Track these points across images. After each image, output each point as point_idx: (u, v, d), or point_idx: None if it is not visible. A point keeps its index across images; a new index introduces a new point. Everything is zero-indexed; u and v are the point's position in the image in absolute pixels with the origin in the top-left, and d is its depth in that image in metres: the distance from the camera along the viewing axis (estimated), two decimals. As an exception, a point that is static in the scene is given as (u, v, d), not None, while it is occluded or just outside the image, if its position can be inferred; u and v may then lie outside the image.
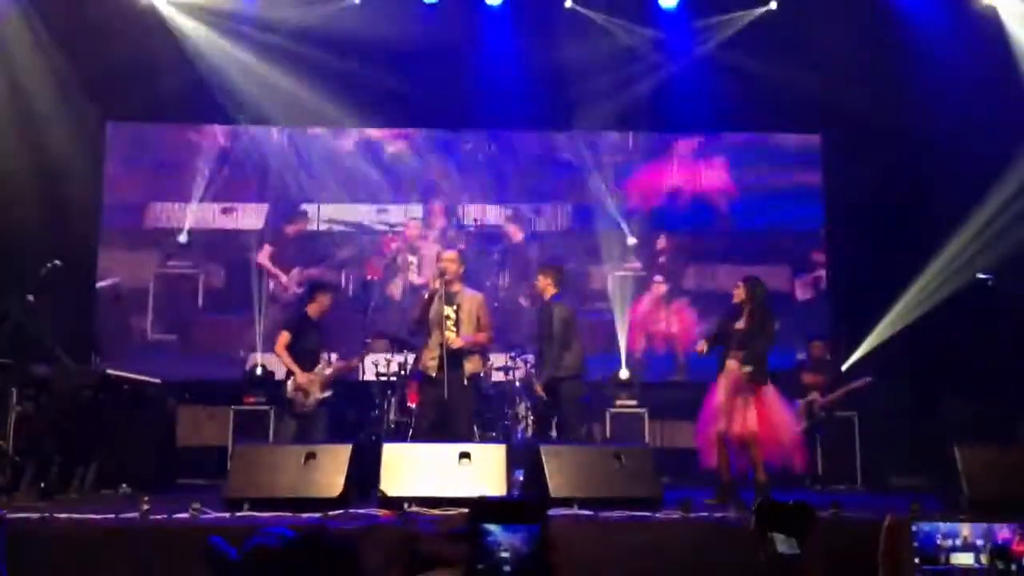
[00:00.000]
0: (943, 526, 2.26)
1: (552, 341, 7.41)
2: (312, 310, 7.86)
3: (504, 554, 2.03)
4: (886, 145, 9.47)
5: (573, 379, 7.52)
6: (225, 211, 10.43)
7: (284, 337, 7.73)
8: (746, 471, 6.72)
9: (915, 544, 2.00)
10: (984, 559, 2.32)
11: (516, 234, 10.62)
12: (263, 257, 10.38)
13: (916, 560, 1.93)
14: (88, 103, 9.58)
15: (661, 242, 10.60)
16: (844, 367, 9.32)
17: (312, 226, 10.52)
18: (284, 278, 10.38)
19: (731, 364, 6.72)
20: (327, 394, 7.65)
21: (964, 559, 2.36)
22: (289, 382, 7.62)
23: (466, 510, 5.13)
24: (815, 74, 9.33)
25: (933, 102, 9.27)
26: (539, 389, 7.55)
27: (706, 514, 5.48)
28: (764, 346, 6.75)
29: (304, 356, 7.66)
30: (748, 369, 6.59)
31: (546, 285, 7.65)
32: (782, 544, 2.19)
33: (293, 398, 7.56)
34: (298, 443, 7.02)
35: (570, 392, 7.52)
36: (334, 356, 8.49)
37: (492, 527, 2.05)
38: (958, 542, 2.37)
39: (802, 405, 8.72)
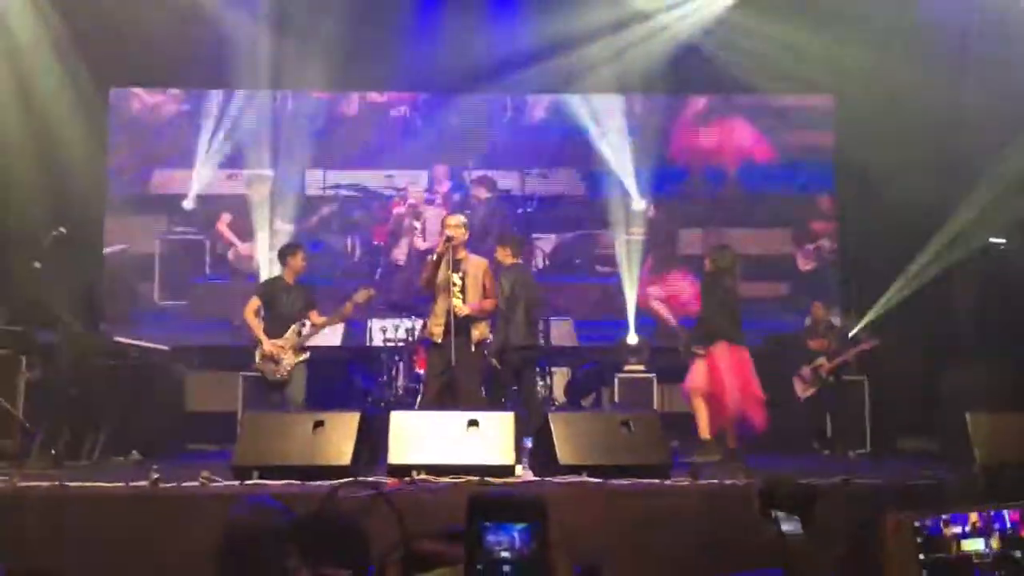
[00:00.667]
0: (947, 516, 2.20)
1: (500, 311, 7.33)
2: (287, 275, 7.52)
3: (504, 554, 1.99)
4: (899, 108, 9.34)
5: (517, 349, 7.37)
6: (230, 177, 10.39)
7: (252, 303, 7.42)
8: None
9: (919, 539, 1.95)
10: (995, 544, 2.26)
11: (483, 194, 10.60)
12: (221, 225, 10.33)
13: (921, 556, 1.88)
14: (90, 69, 9.49)
15: (650, 211, 10.53)
16: (852, 332, 9.27)
17: (314, 191, 10.48)
18: (241, 246, 10.32)
19: None
20: (302, 358, 7.30)
21: (973, 545, 2.29)
22: (257, 351, 7.31)
23: (474, 478, 5.22)
24: (829, 35, 9.20)
25: (950, 65, 9.13)
26: (491, 357, 7.45)
27: (716, 480, 5.46)
28: (707, 311, 7.20)
29: (278, 322, 7.33)
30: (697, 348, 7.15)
31: (504, 256, 7.56)
32: (785, 523, 2.15)
33: (262, 368, 7.26)
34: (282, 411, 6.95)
35: (510, 361, 7.42)
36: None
37: (491, 525, 2.00)
38: (967, 528, 2.31)
39: (809, 371, 8.69)
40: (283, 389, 7.26)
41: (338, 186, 10.49)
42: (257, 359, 7.29)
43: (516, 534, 2.01)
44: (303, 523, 2.79)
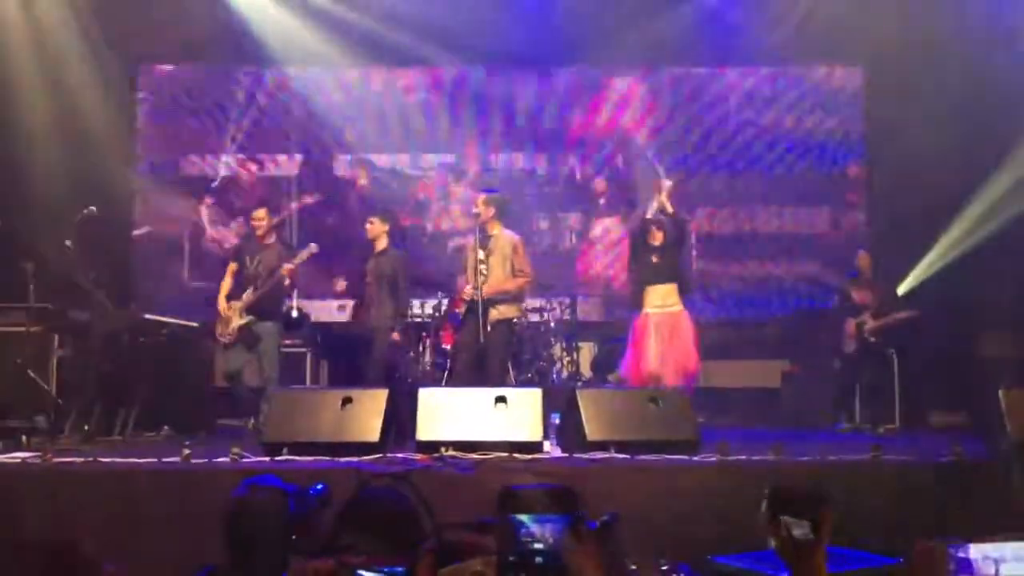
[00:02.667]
0: (985, 547, 2.09)
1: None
2: (257, 235, 7.58)
3: (537, 545, 1.99)
4: (930, 76, 9.17)
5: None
6: (259, 161, 10.37)
7: (230, 267, 7.58)
8: None
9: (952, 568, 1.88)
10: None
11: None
12: (202, 212, 10.24)
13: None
14: (118, 48, 9.48)
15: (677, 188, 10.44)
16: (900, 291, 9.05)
17: (342, 172, 10.43)
18: (213, 232, 10.20)
19: None
20: (246, 319, 7.27)
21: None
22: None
23: (503, 454, 5.23)
24: (856, 4, 9.06)
25: (982, 35, 8.96)
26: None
27: (744, 457, 5.44)
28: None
29: (242, 283, 7.43)
30: None
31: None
32: (796, 528, 2.12)
33: (217, 331, 7.40)
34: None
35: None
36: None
37: (524, 517, 2.00)
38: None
39: (851, 326, 8.43)
40: (242, 355, 7.33)
41: (366, 165, 10.47)
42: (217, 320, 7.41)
43: (548, 526, 2.01)
44: (347, 506, 2.81)
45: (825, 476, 5.09)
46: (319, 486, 2.93)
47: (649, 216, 7.44)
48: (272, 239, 7.56)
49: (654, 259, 7.30)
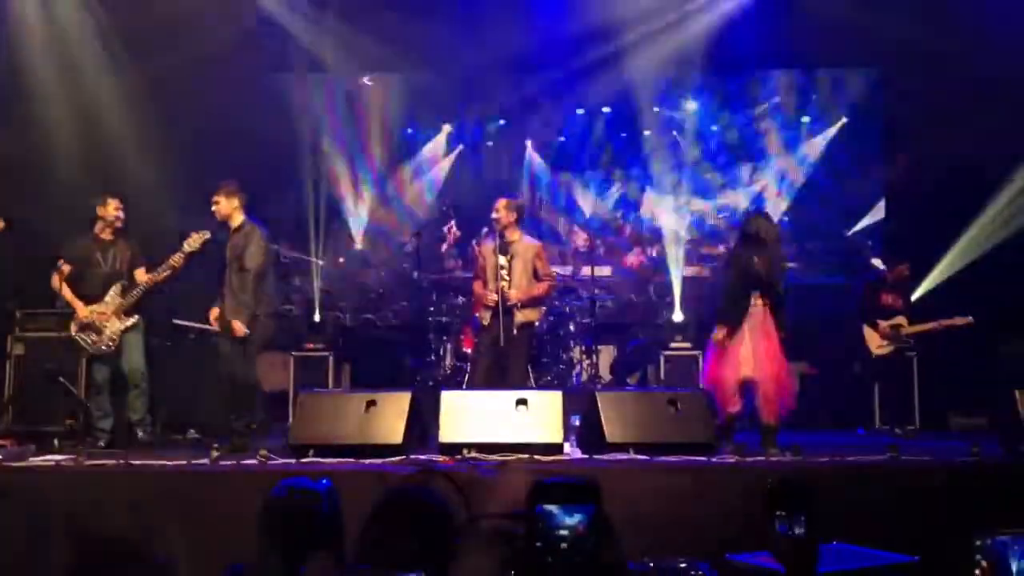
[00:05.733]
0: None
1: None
2: (99, 229, 6.83)
3: (563, 532, 2.20)
4: (948, 79, 9.16)
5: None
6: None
7: (62, 269, 6.62)
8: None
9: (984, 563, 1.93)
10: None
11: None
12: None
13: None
14: (135, 56, 9.54)
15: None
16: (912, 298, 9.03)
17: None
18: None
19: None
20: (130, 322, 6.66)
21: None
22: (72, 323, 6.63)
23: (524, 456, 5.32)
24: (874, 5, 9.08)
25: (1001, 37, 8.95)
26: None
27: (762, 458, 5.51)
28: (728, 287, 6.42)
29: (97, 284, 6.72)
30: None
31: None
32: (797, 525, 2.24)
33: (81, 339, 6.60)
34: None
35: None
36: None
37: (552, 508, 2.20)
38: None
39: (885, 328, 8.40)
40: (113, 360, 6.73)
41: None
42: (73, 330, 6.64)
43: (574, 516, 2.18)
44: (377, 505, 2.89)
45: (843, 477, 5.15)
46: (324, 481, 2.98)
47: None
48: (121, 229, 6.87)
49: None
